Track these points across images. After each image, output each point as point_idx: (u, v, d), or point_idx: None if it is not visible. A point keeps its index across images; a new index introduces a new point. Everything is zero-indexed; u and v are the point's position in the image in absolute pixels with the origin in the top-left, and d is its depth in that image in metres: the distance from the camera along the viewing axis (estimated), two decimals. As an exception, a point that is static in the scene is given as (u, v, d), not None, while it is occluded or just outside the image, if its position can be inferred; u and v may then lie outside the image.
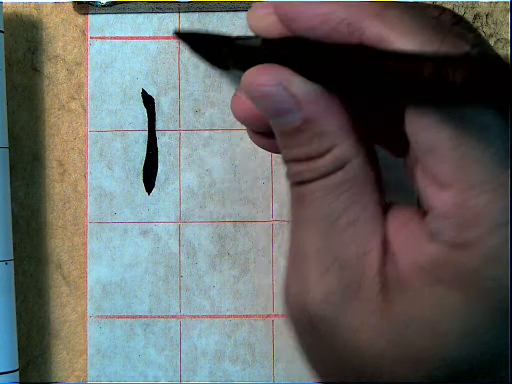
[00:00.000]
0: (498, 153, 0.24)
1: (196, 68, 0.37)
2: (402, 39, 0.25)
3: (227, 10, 0.38)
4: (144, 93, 0.37)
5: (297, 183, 0.28)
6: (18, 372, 0.34)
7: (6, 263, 0.34)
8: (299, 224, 0.28)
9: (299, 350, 0.29)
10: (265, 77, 0.27)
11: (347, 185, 0.27)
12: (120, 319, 0.37)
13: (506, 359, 0.25)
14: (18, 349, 0.35)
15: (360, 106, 0.30)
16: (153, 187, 0.37)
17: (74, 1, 0.37)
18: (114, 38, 0.37)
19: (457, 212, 0.24)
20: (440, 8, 0.28)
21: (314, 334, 0.27)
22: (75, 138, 0.37)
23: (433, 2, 0.38)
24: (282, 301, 0.29)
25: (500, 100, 0.21)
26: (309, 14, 0.26)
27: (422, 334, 0.25)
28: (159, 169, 0.37)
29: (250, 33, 0.29)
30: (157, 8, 0.37)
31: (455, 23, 0.27)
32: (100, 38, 0.37)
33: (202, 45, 0.32)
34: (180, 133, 0.37)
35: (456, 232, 0.24)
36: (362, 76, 0.25)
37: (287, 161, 0.28)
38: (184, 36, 0.33)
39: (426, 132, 0.24)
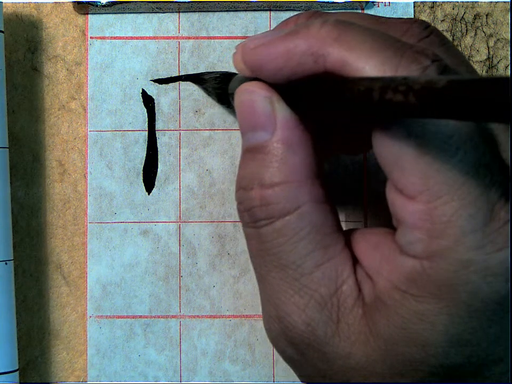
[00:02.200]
0: (462, 162, 0.24)
1: (196, 68, 0.37)
2: (361, 60, 0.25)
3: (227, 10, 0.38)
4: (144, 93, 0.37)
5: (253, 221, 0.28)
6: (18, 372, 0.34)
7: (6, 263, 0.34)
8: (265, 268, 0.29)
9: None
10: (259, 88, 0.28)
11: (305, 231, 0.27)
12: (120, 319, 0.37)
13: (493, 358, 0.26)
14: (18, 349, 0.35)
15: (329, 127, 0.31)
16: (153, 187, 0.37)
17: (74, 1, 0.37)
18: (114, 38, 0.37)
19: (425, 223, 0.25)
20: (408, 23, 0.28)
21: (302, 360, 0.28)
22: (75, 138, 0.37)
23: (433, 1, 0.38)
24: (267, 334, 0.30)
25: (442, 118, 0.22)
26: (272, 55, 0.27)
27: (410, 347, 0.26)
28: (159, 169, 0.37)
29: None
30: (157, 8, 0.37)
31: (425, 37, 0.28)
32: (100, 38, 0.37)
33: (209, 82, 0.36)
34: (180, 133, 0.37)
35: (426, 244, 0.25)
36: (330, 102, 0.26)
37: (239, 189, 0.29)
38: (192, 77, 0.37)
39: (391, 146, 0.25)
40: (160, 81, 0.37)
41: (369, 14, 0.30)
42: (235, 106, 0.29)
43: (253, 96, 0.28)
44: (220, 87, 0.36)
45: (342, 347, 0.27)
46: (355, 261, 0.28)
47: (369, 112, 0.24)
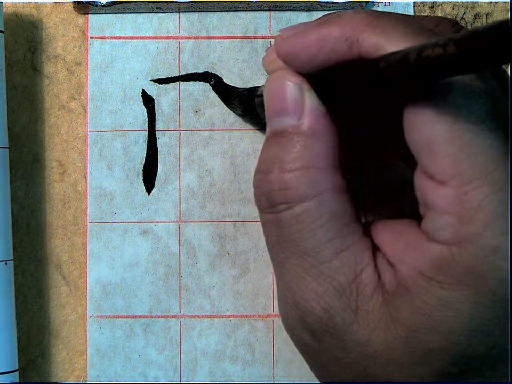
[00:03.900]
0: (493, 147, 0.24)
1: (196, 68, 0.37)
2: (396, 44, 0.25)
3: (227, 10, 0.38)
4: (144, 93, 0.37)
5: (271, 206, 0.28)
6: (18, 372, 0.34)
7: (6, 263, 0.34)
8: (283, 255, 0.28)
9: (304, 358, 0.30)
10: (290, 75, 0.29)
11: (324, 218, 0.27)
12: (120, 319, 0.37)
13: None
14: (18, 349, 0.35)
15: (359, 127, 0.31)
16: (153, 187, 0.37)
17: (74, 1, 0.37)
18: (114, 38, 0.37)
19: (455, 207, 0.25)
20: (437, 20, 0.29)
21: (318, 347, 0.28)
22: (75, 138, 0.37)
23: (433, 1, 0.38)
24: (283, 321, 0.29)
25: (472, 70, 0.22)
26: (306, 43, 0.27)
27: (433, 334, 0.25)
28: (159, 169, 0.37)
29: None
30: (157, 8, 0.37)
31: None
32: (100, 38, 0.37)
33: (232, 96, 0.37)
34: (180, 133, 0.37)
35: (455, 229, 0.25)
36: (365, 86, 0.26)
37: (258, 173, 0.29)
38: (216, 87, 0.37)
39: (423, 128, 0.25)
40: (160, 81, 0.37)
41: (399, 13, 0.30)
42: (264, 92, 0.29)
43: (283, 82, 0.28)
44: (247, 95, 0.36)
45: (361, 334, 0.27)
46: (374, 250, 0.28)
47: (404, 81, 0.24)
